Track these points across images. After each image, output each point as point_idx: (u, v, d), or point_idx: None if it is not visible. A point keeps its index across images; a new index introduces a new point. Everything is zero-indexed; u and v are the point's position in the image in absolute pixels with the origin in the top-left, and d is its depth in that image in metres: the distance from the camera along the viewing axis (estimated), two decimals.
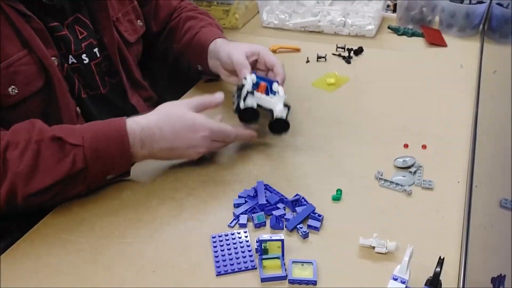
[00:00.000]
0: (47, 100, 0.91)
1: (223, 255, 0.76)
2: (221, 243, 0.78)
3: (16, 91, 0.86)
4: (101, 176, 0.85)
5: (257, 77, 1.01)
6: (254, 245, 0.77)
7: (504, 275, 0.61)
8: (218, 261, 0.75)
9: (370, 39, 1.50)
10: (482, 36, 1.48)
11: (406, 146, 1.00)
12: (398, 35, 1.52)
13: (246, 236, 0.79)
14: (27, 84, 0.87)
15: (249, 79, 0.99)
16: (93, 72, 1.01)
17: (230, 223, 0.82)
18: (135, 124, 0.85)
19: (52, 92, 0.90)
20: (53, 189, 0.80)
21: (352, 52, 1.39)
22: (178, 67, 1.27)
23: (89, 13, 1.01)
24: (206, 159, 0.96)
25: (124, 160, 0.85)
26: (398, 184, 0.90)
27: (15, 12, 0.84)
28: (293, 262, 0.74)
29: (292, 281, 0.71)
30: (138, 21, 1.15)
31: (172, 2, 1.26)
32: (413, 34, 1.51)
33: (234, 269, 0.74)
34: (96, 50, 1.01)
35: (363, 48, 1.41)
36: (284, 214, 0.83)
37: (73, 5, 0.97)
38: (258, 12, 1.63)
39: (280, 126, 0.98)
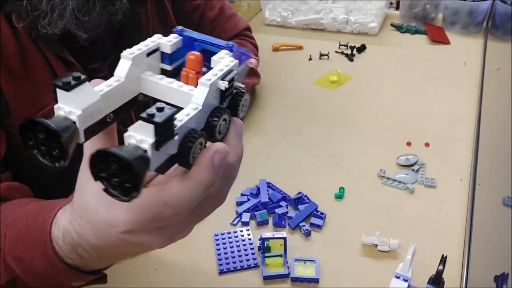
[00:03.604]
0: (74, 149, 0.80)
1: (226, 253, 0.76)
2: (224, 241, 0.78)
3: None
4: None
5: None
6: (257, 243, 0.77)
7: (507, 273, 0.61)
8: (220, 259, 0.75)
9: (373, 37, 1.49)
10: (485, 34, 1.47)
11: (409, 144, 1.00)
12: (401, 32, 1.52)
13: (249, 234, 0.79)
14: None
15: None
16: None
17: (233, 221, 0.82)
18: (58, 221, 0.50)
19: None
20: None
21: (354, 49, 1.39)
22: None
23: None
24: None
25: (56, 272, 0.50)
26: (400, 182, 0.89)
27: (57, 59, 0.79)
28: (296, 260, 0.74)
29: (295, 279, 0.71)
30: None
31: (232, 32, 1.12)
32: (416, 32, 1.50)
33: (236, 267, 0.74)
34: None
35: (366, 46, 1.41)
36: (287, 212, 0.83)
37: (115, 44, 0.90)
38: (261, 9, 1.62)
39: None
